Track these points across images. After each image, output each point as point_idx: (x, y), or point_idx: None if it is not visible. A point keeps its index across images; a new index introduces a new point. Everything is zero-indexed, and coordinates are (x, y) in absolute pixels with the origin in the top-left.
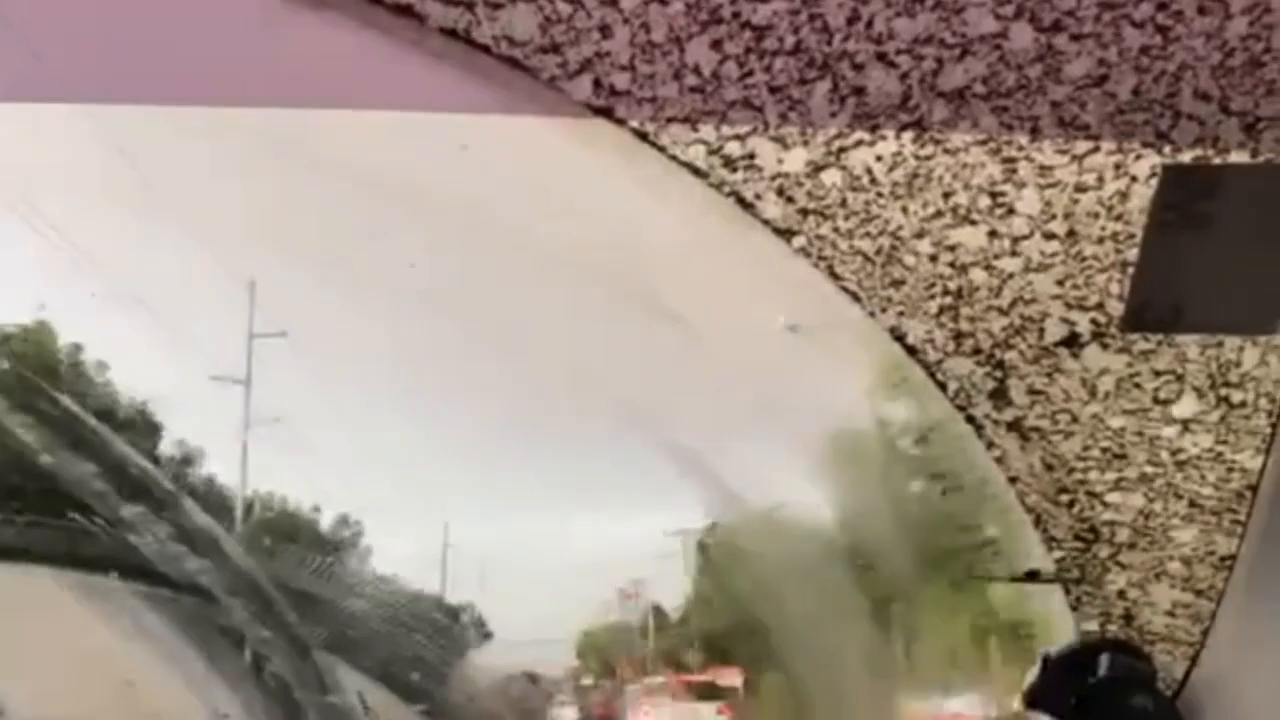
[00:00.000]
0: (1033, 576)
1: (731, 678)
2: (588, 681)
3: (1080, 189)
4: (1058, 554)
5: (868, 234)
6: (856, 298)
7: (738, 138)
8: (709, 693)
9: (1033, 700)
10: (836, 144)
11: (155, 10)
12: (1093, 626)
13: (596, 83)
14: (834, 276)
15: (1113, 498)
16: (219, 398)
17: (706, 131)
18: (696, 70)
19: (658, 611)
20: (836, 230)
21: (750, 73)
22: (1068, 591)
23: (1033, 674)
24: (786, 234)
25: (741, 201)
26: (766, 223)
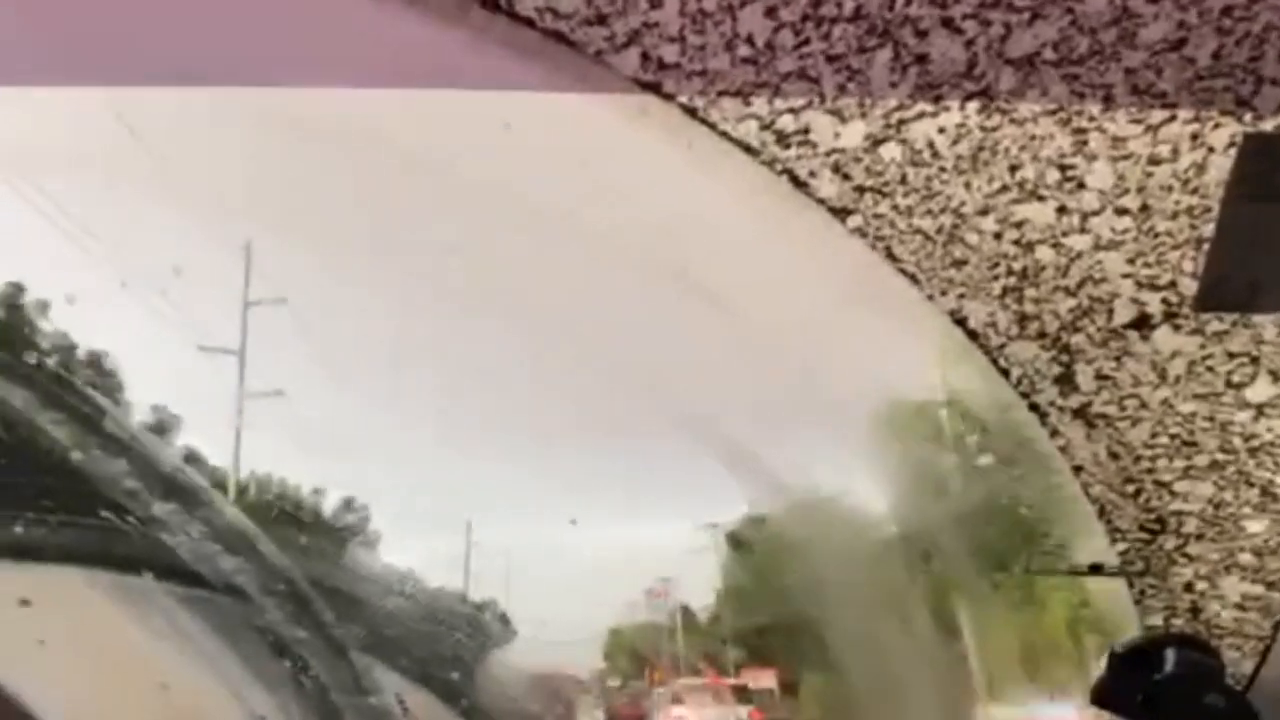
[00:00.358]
0: (1096, 570)
1: (765, 679)
2: (615, 683)
3: (1154, 161)
4: (1122, 546)
5: (928, 212)
6: (915, 280)
7: (792, 111)
8: (742, 695)
9: (1100, 698)
10: (897, 116)
11: None
12: (1158, 621)
13: (644, 56)
14: (892, 258)
15: (1181, 487)
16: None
17: (759, 105)
18: (749, 40)
19: (686, 610)
20: (895, 208)
21: (806, 41)
22: (1132, 585)
23: (1100, 670)
24: (842, 213)
25: (795, 180)
26: (821, 202)
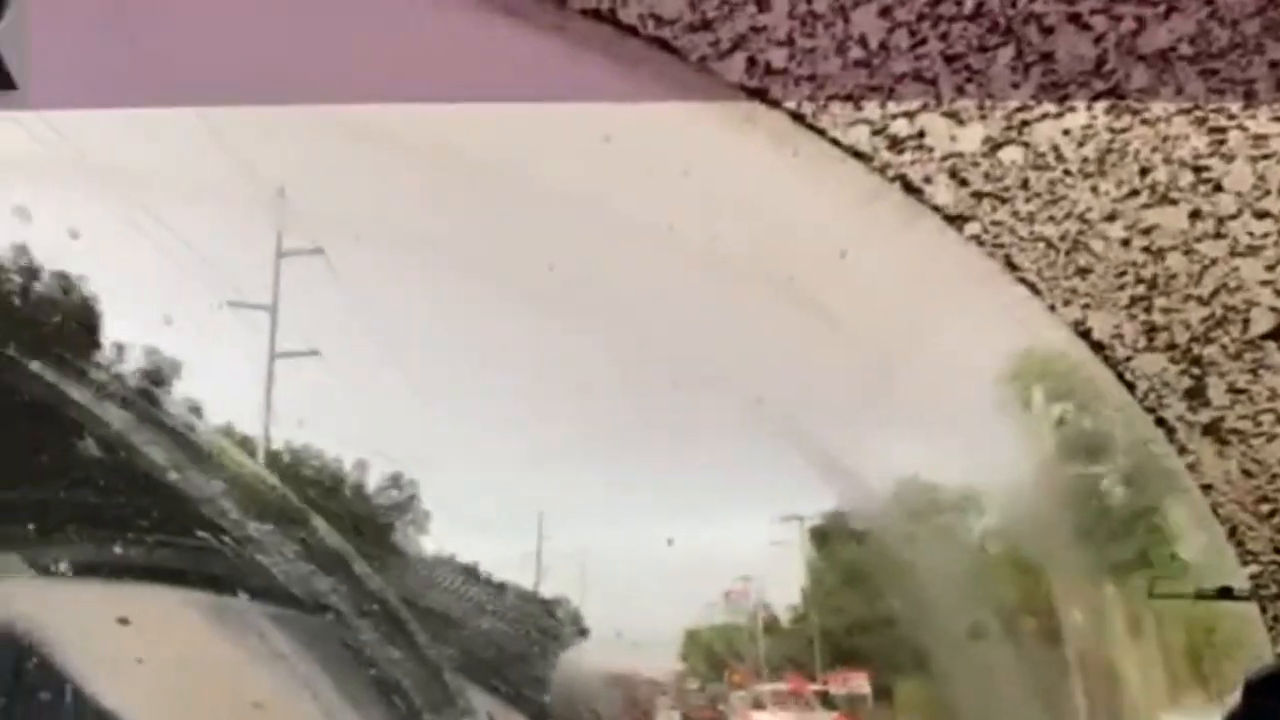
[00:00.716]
0: (1226, 594)
1: (856, 683)
2: (693, 686)
3: None
4: (1254, 569)
5: (1051, 218)
6: (1036, 290)
7: (906, 115)
8: (827, 701)
9: None
10: (1019, 118)
11: (289, 10)
12: None
13: (750, 61)
14: (1011, 266)
15: None
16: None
17: (871, 110)
18: (862, 42)
19: (768, 610)
20: (1015, 215)
21: (923, 41)
22: (1264, 610)
23: (1234, 699)
24: (958, 220)
25: (908, 186)
26: (936, 209)
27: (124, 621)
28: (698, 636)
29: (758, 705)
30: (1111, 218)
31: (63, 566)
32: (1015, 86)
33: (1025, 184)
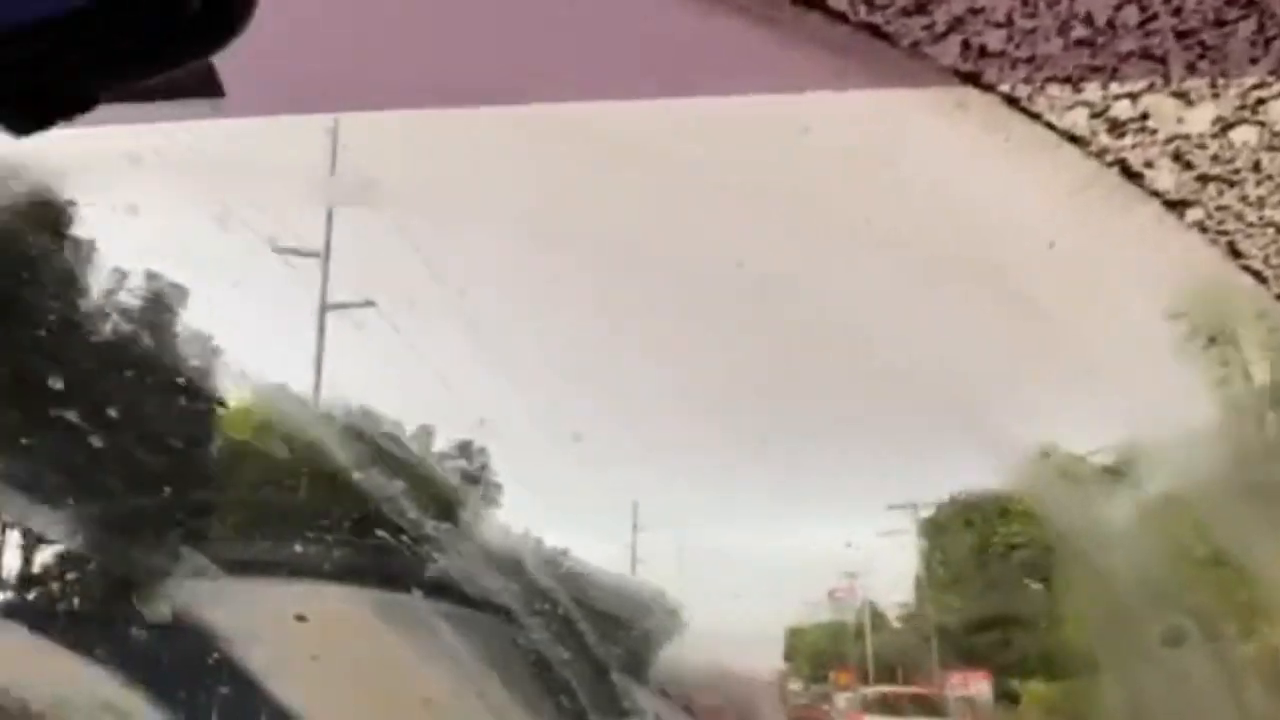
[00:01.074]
0: None
1: (976, 685)
2: (796, 685)
3: None
4: None
5: None
6: (1262, 278)
7: (1129, 96)
8: (940, 706)
9: None
10: (1254, 96)
11: (474, 9)
12: None
13: (965, 44)
14: (1235, 254)
15: None
16: None
17: (1091, 91)
18: (1087, 20)
19: (875, 609)
20: (1244, 199)
21: (1153, 17)
22: None
23: None
24: (1179, 206)
25: (1127, 171)
26: (1156, 194)
27: (301, 619)
28: (801, 635)
29: (866, 708)
30: None
31: (246, 565)
32: (1254, 62)
33: (1257, 166)
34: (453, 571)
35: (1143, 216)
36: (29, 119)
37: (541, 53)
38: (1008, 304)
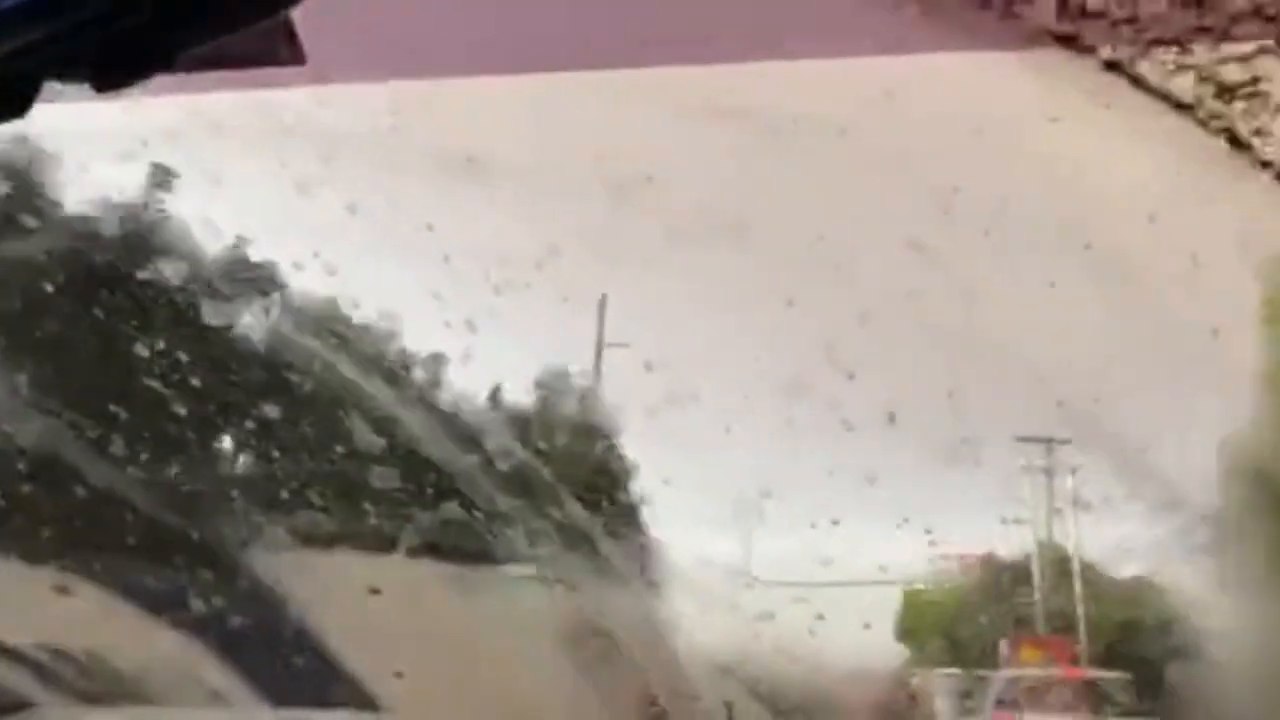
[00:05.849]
0: None
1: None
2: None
3: None
4: None
5: None
6: None
7: (1240, 59)
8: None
9: None
10: None
11: None
12: None
13: (1062, 4)
14: None
15: None
16: None
17: (1199, 54)
18: None
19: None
20: None
21: None
22: None
23: None
24: None
25: (1234, 140)
26: (1266, 165)
27: (375, 591)
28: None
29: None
30: None
31: (322, 537)
32: None
33: None
34: (520, 547)
35: (1252, 189)
36: (111, 76)
37: (627, 16)
38: (1102, 282)
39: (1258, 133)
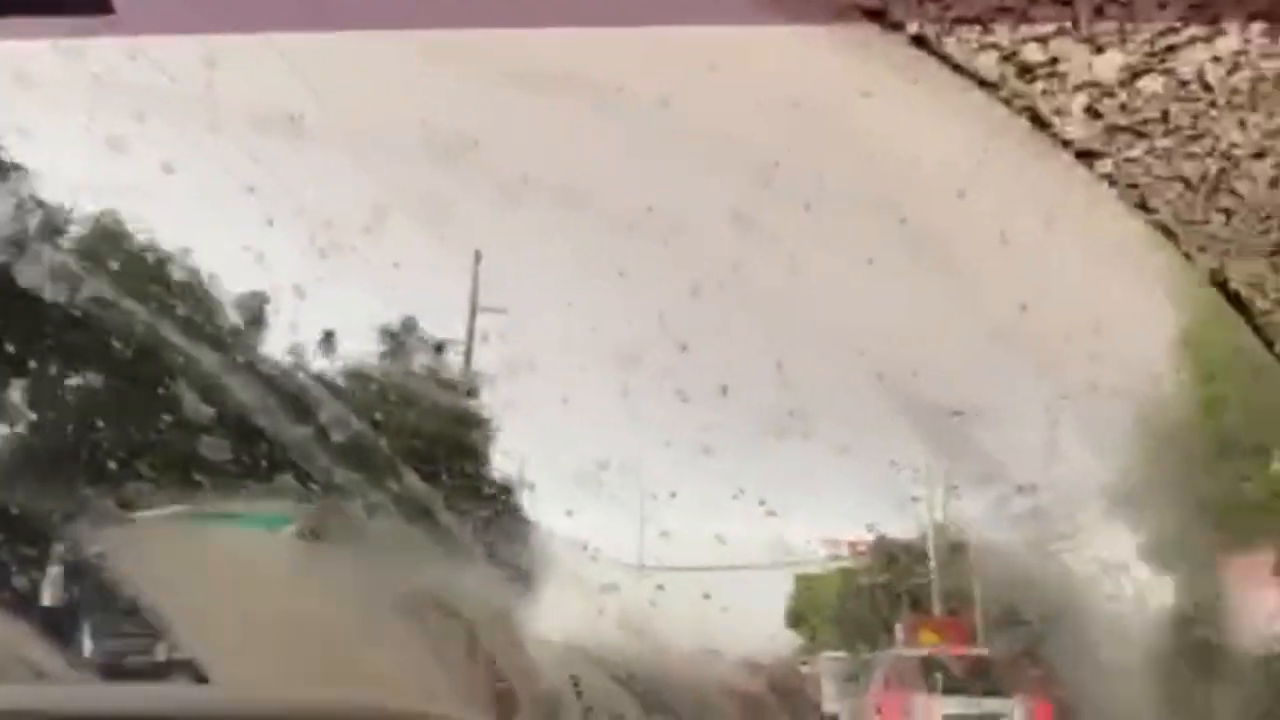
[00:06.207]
0: None
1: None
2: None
3: None
4: None
5: (1193, 155)
6: (1171, 234)
7: (1039, 40)
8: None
9: None
10: (1163, 43)
11: None
12: None
13: None
14: (1145, 208)
15: None
16: None
17: (1001, 34)
18: None
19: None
20: (1153, 151)
21: None
22: None
23: None
24: (1089, 157)
25: (1037, 119)
26: (1066, 144)
27: (208, 565)
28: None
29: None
30: (1259, 155)
31: (153, 510)
32: (1162, 7)
33: (1165, 117)
34: (361, 521)
35: (1054, 168)
36: None
37: None
38: (915, 251)
39: (1058, 112)
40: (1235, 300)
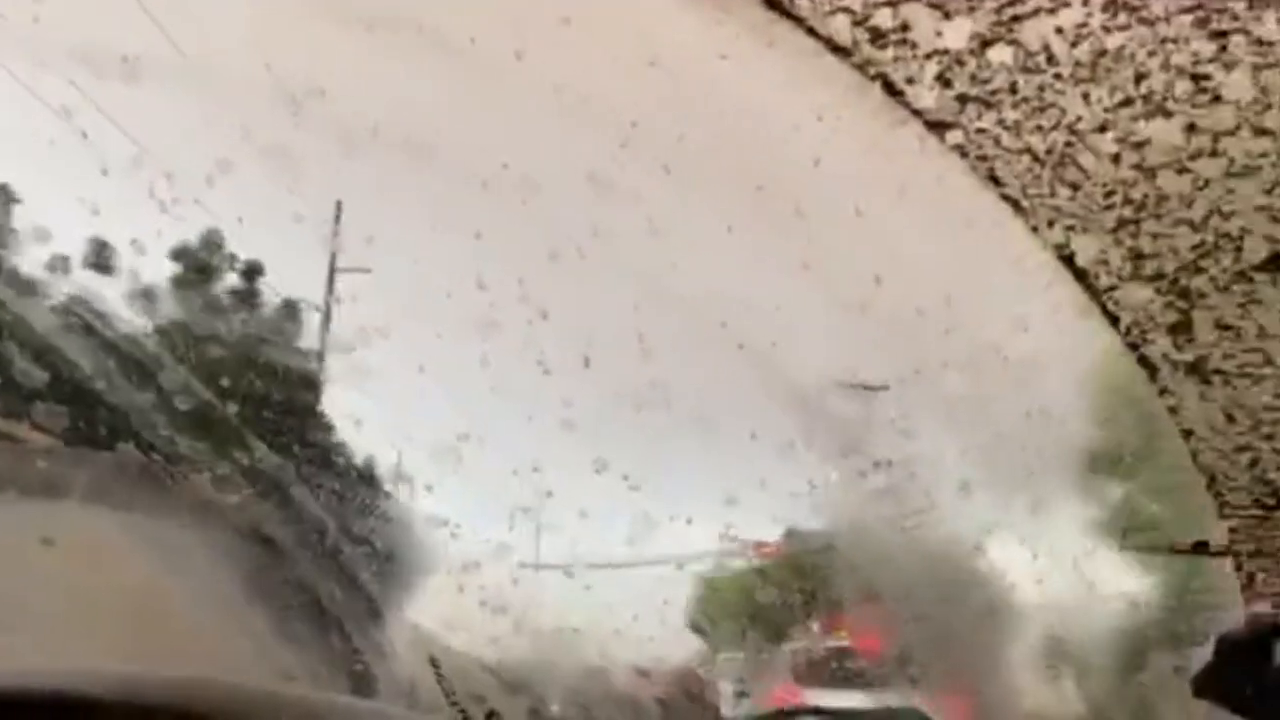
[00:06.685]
0: (1200, 548)
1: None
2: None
3: None
4: (1232, 522)
5: (1039, 127)
6: (1019, 207)
7: (890, 4)
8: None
9: (1202, 688)
10: (1010, 13)
11: None
12: (1266, 607)
13: None
14: (994, 181)
15: None
16: None
17: None
18: None
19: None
20: (1001, 123)
21: None
22: (1239, 567)
23: (1202, 658)
24: (940, 127)
25: (889, 87)
26: (918, 113)
27: (48, 542)
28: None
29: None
30: (1102, 129)
31: None
32: None
33: (1013, 88)
34: (209, 494)
35: (907, 136)
36: None
37: None
38: (772, 218)
39: (909, 80)
40: (1080, 276)
